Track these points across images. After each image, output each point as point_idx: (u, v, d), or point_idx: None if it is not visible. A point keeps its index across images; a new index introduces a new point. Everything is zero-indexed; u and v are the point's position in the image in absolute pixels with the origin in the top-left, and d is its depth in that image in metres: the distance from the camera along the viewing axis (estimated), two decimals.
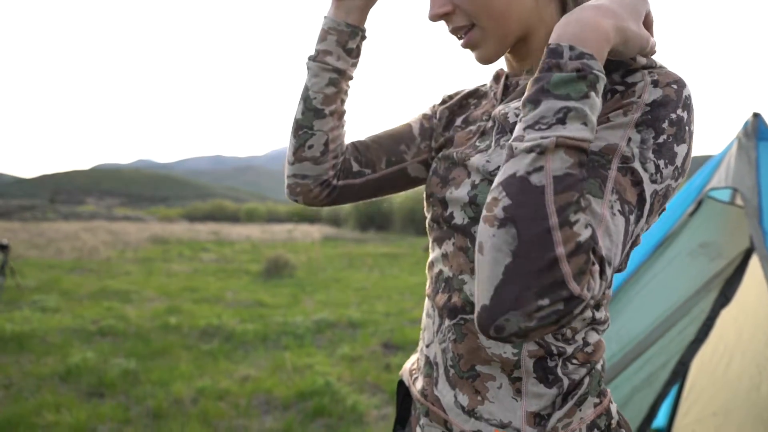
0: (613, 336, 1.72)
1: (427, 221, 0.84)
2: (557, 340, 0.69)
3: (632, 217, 0.60)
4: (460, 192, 0.74)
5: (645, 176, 0.61)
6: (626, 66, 0.66)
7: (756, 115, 1.85)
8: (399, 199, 31.74)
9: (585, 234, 0.52)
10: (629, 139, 0.62)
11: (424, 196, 0.85)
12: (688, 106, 0.63)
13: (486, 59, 0.76)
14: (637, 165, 0.61)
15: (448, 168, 0.80)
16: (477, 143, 0.78)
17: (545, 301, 0.50)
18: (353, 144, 0.94)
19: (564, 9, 0.74)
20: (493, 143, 0.74)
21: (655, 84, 0.64)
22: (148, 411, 3.57)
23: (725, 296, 1.64)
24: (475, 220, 0.71)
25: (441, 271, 0.77)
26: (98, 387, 3.98)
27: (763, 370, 2.71)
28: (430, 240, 0.83)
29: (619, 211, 0.59)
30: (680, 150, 0.63)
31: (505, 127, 0.73)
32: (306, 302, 7.97)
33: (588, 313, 0.70)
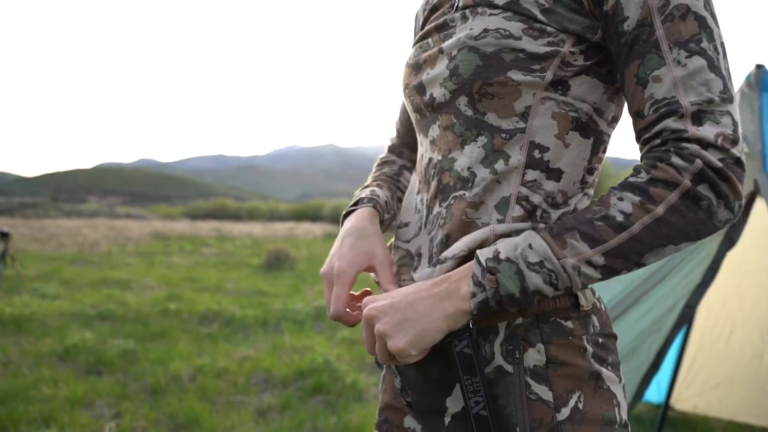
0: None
1: (413, 120, 0.80)
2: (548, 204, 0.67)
3: (705, 43, 0.59)
4: (438, 69, 0.70)
5: (680, 2, 0.59)
6: None
7: (759, 67, 1.84)
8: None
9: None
10: None
11: (402, 91, 0.81)
12: None
13: None
14: (674, 0, 0.59)
15: (417, 55, 0.76)
16: (449, 22, 0.73)
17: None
18: (401, 146, 0.96)
19: None
20: (469, 14, 0.69)
21: None
22: (146, 387, 3.56)
23: (730, 239, 1.61)
24: (457, 92, 0.68)
25: (430, 160, 0.74)
26: (96, 365, 3.97)
27: (766, 336, 2.69)
28: (419, 139, 0.79)
29: (686, 55, 0.58)
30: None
31: None
32: (307, 292, 7.96)
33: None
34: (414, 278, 0.72)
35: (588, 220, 0.59)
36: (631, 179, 0.60)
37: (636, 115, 0.62)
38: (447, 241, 0.69)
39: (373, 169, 0.96)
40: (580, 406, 0.63)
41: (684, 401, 3.14)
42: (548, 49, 0.64)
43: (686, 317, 1.64)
